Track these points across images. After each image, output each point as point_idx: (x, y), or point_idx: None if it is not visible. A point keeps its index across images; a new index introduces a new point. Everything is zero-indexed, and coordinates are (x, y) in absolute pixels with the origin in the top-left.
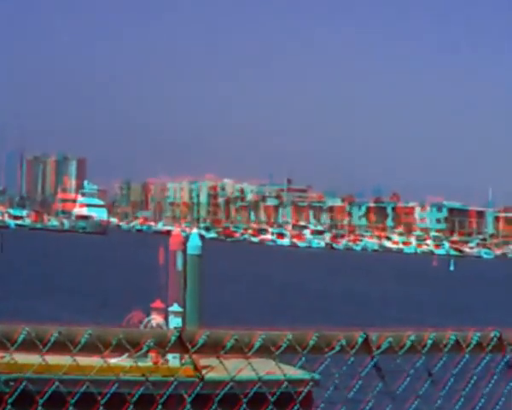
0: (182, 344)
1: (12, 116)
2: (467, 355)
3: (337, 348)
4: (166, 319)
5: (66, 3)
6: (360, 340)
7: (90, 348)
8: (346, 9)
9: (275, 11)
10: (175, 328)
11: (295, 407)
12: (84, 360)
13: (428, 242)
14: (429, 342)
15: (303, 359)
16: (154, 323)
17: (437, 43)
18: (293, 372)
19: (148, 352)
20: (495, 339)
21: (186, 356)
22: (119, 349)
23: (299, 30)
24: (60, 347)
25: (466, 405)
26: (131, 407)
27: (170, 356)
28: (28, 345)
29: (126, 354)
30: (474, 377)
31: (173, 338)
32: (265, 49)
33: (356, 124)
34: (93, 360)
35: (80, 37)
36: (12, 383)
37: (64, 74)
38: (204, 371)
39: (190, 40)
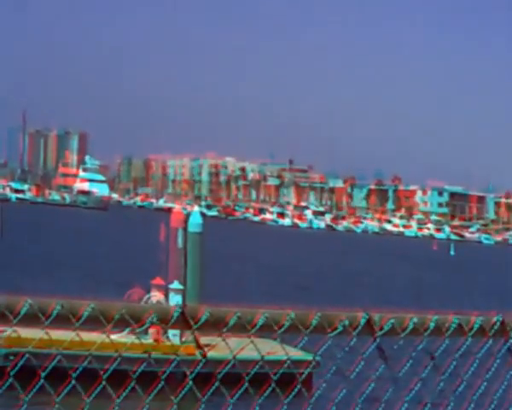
0: (184, 320)
1: (14, 90)
2: (469, 339)
3: (339, 328)
4: (166, 296)
5: None
6: (363, 321)
7: (93, 321)
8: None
9: None
10: (177, 304)
11: (296, 387)
12: (85, 336)
13: (429, 226)
14: (432, 325)
15: (305, 339)
16: (154, 300)
17: (437, 27)
18: (295, 353)
19: (148, 329)
20: (497, 324)
21: (186, 334)
22: (121, 324)
23: (307, 13)
24: (62, 320)
25: (468, 389)
26: (133, 382)
27: (170, 334)
28: (30, 318)
29: (127, 330)
30: (476, 362)
31: (176, 314)
32: (267, 26)
33: (359, 106)
34: (94, 336)
35: (83, 10)
36: (12, 358)
37: (66, 48)
38: (206, 349)
39: (193, 16)
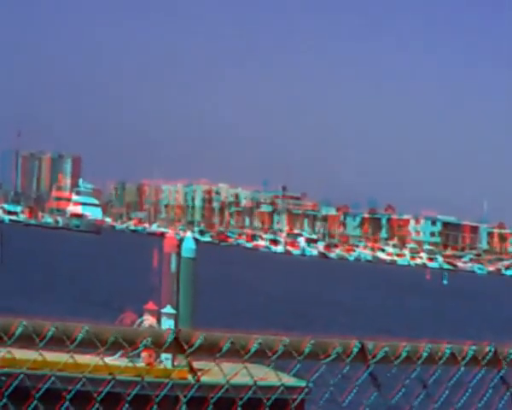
0: (178, 345)
1: (8, 112)
2: (462, 368)
3: (333, 355)
4: (159, 320)
5: (65, 2)
6: (356, 349)
7: (87, 344)
8: (348, 11)
9: (276, 16)
10: (171, 329)
11: None
12: (78, 358)
13: (422, 255)
14: (425, 353)
15: (297, 365)
16: (146, 324)
17: (432, 55)
18: (287, 380)
19: (140, 352)
20: (490, 353)
21: (178, 359)
22: (115, 347)
23: (297, 35)
24: (56, 342)
25: None
26: (127, 405)
27: (163, 358)
28: (25, 339)
29: (119, 354)
30: (469, 391)
31: (170, 338)
32: (262, 54)
33: (353, 134)
34: (87, 359)
35: (78, 35)
36: (4, 378)
37: (61, 72)
38: (199, 373)
39: (189, 44)
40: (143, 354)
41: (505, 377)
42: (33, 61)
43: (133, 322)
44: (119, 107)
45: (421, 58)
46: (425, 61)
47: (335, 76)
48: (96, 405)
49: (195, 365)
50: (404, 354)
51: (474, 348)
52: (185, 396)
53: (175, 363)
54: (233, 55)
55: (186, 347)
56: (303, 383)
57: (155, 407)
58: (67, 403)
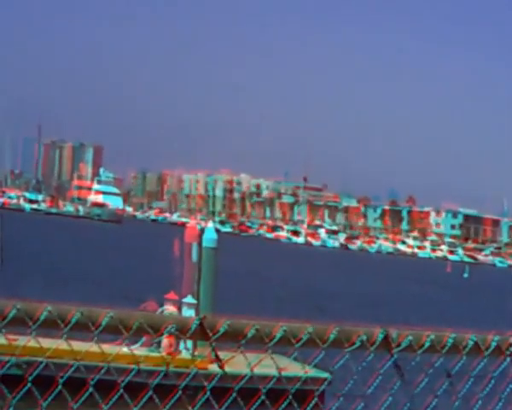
0: (203, 332)
1: (30, 101)
2: (485, 358)
3: (357, 343)
4: (180, 310)
5: None
6: (381, 336)
7: (111, 330)
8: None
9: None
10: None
11: (312, 403)
12: (98, 347)
13: (443, 247)
14: (449, 342)
15: (322, 354)
16: (167, 314)
17: (444, 39)
18: (308, 371)
19: (161, 342)
20: None
21: (199, 349)
22: (139, 333)
23: (317, 25)
24: (81, 327)
25: (484, 407)
26: (150, 392)
27: (182, 348)
28: (50, 324)
29: (141, 343)
30: (493, 381)
31: (194, 325)
32: (287, 42)
33: (374, 126)
34: (108, 348)
35: (99, 24)
36: (25, 366)
37: (82, 61)
38: (224, 360)
39: (206, 29)
40: (164, 344)
41: None
42: (56, 51)
43: (154, 311)
44: (142, 96)
45: (443, 47)
46: (447, 50)
47: (355, 66)
48: (120, 390)
49: (226, 358)
50: (427, 343)
51: (497, 338)
52: (209, 384)
53: (195, 353)
54: (253, 43)
55: (211, 334)
56: (324, 375)
57: (179, 395)
58: (91, 389)
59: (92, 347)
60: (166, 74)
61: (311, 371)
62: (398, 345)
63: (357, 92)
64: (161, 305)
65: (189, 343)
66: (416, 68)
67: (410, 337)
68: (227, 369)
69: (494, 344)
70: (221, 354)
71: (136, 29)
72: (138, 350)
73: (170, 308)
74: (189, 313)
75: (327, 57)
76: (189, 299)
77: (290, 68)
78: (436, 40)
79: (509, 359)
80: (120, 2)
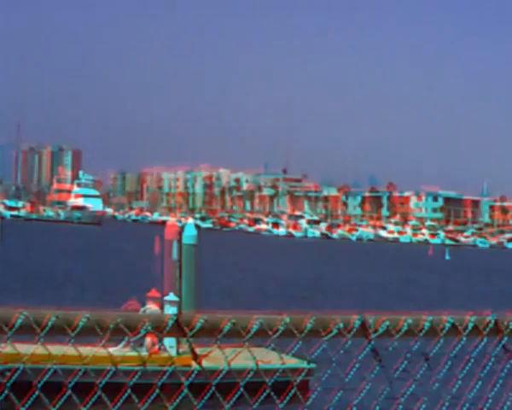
0: (179, 328)
1: (7, 107)
2: (463, 339)
3: (334, 331)
4: (162, 308)
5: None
6: (357, 323)
7: (88, 332)
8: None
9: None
10: (171, 313)
11: (292, 393)
12: (81, 350)
13: (424, 231)
14: (426, 325)
15: (299, 344)
16: (149, 312)
17: (431, 31)
18: (290, 361)
19: (144, 341)
20: (491, 323)
21: (182, 345)
22: (116, 333)
23: (297, 18)
24: (57, 331)
25: (463, 388)
26: (129, 391)
27: (167, 345)
28: (26, 330)
29: (123, 343)
30: (471, 361)
31: (170, 322)
32: (263, 36)
33: (352, 113)
34: (89, 350)
35: (77, 26)
36: (7, 373)
37: (59, 66)
38: (201, 354)
39: (183, 28)
40: (147, 343)
41: (507, 346)
42: (31, 55)
43: (137, 311)
44: (117, 97)
45: (419, 34)
46: (422, 37)
47: (331, 55)
48: (98, 392)
49: (199, 351)
50: (405, 328)
51: (475, 318)
52: (186, 380)
53: (179, 350)
54: (230, 40)
55: (187, 330)
56: (306, 364)
57: (157, 391)
58: (69, 392)
59: (70, 348)
60: (142, 73)
61: (294, 362)
62: (376, 331)
63: (335, 81)
64: (144, 304)
65: (173, 341)
66: (392, 51)
67: (387, 322)
68: (208, 364)
69: (471, 325)
70: (203, 350)
71: (111, 31)
72: (120, 351)
73: (152, 307)
74: (171, 310)
75: (303, 47)
76: (171, 297)
77: (267, 60)
78: (414, 23)
79: (486, 339)
80: (95, 3)
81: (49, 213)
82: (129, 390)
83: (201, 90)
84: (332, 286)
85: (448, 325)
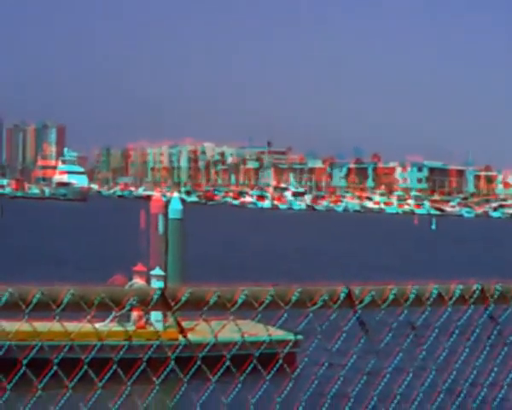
0: (164, 302)
1: None
2: (449, 308)
3: (320, 302)
4: (148, 282)
5: None
6: (343, 294)
7: (73, 307)
8: None
9: None
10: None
11: (278, 365)
12: (67, 325)
13: (409, 201)
14: (412, 295)
15: (285, 315)
16: (136, 286)
17: (422, 9)
18: (277, 333)
19: (130, 314)
20: (477, 291)
21: (169, 319)
22: (101, 308)
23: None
24: (43, 307)
25: (449, 357)
26: (115, 366)
27: (153, 320)
28: (12, 307)
29: (109, 319)
30: (457, 330)
31: (156, 296)
32: (244, 11)
33: (336, 85)
34: (76, 326)
35: (57, 4)
36: None
37: (40, 41)
38: (187, 330)
39: (167, 6)
40: (134, 317)
41: (493, 315)
42: (14, 33)
43: (123, 285)
44: (101, 73)
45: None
46: (412, 5)
47: (313, 30)
48: (84, 367)
49: (186, 325)
50: (391, 297)
51: (460, 287)
52: (173, 354)
53: (166, 324)
54: (212, 15)
55: (172, 303)
56: (292, 336)
57: (144, 365)
58: (56, 368)
59: (56, 324)
60: (125, 48)
61: (281, 334)
62: (361, 301)
63: (317, 52)
64: (130, 278)
65: (160, 315)
66: (374, 23)
67: (373, 292)
68: (195, 337)
69: (457, 294)
70: (190, 324)
71: (92, 7)
72: (107, 326)
73: (138, 281)
74: (157, 284)
75: (284, 22)
76: (157, 271)
77: (248, 34)
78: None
79: (472, 307)
80: None
81: (35, 190)
82: (115, 365)
83: (185, 64)
84: (317, 258)
85: (434, 294)
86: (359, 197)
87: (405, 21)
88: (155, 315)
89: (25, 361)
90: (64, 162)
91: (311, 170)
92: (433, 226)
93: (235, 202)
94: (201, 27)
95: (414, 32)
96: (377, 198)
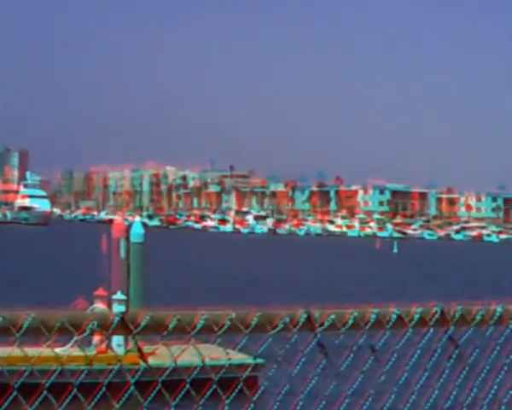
0: (125, 326)
1: None
2: (410, 330)
3: (280, 325)
4: (110, 306)
5: None
6: (303, 317)
7: (33, 332)
8: None
9: None
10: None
11: (238, 388)
12: (29, 351)
13: (371, 224)
14: (372, 318)
15: (245, 338)
16: (97, 311)
17: (385, 24)
18: (236, 356)
19: (92, 341)
20: (437, 314)
21: (131, 344)
22: (62, 332)
23: (244, 17)
24: (3, 332)
25: (409, 379)
26: (75, 390)
27: (115, 344)
28: None
29: (71, 344)
30: (418, 352)
31: (116, 320)
32: (205, 31)
33: (297, 108)
34: (37, 351)
35: (22, 23)
36: None
37: (3, 62)
38: (146, 354)
39: (131, 21)
40: (95, 342)
41: (452, 336)
42: None
43: (84, 310)
44: (63, 97)
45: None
46: (372, 26)
47: (276, 50)
48: (44, 392)
49: (147, 350)
50: (351, 321)
51: (421, 309)
52: (133, 377)
53: (128, 348)
54: (174, 35)
55: (132, 327)
56: (253, 360)
57: (103, 390)
58: (15, 393)
59: (16, 349)
60: (87, 72)
61: (242, 358)
62: (321, 324)
63: (280, 76)
64: (92, 303)
65: (121, 339)
66: (335, 44)
67: (333, 316)
68: (155, 362)
69: (417, 316)
70: (151, 348)
71: (53, 25)
72: (67, 350)
73: (100, 305)
74: (119, 308)
75: (245, 42)
76: (119, 295)
77: (211, 55)
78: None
79: (432, 330)
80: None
81: None
82: (75, 390)
83: (147, 88)
84: (277, 281)
85: (394, 316)
86: (321, 221)
87: (363, 46)
88: (117, 339)
89: None
90: (26, 186)
91: (273, 193)
92: (395, 249)
93: (197, 226)
94: (163, 50)
95: (370, 53)
96: (339, 221)
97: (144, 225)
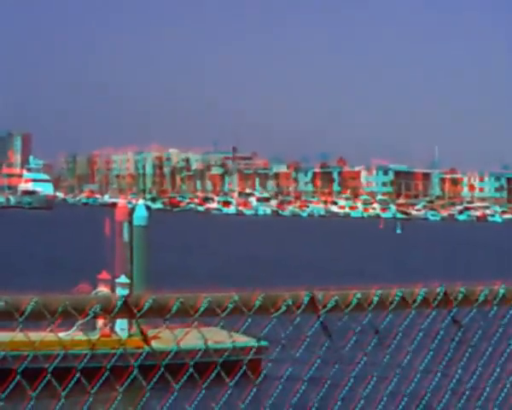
0: (128, 309)
1: None
2: (413, 311)
3: (283, 308)
4: (113, 290)
5: None
6: (306, 299)
7: (37, 316)
8: None
9: None
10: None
11: (242, 372)
12: (32, 336)
13: (375, 205)
14: (375, 299)
15: (249, 320)
16: (100, 294)
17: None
18: (240, 339)
19: (96, 325)
20: (441, 294)
21: (134, 327)
22: (65, 317)
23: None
24: (5, 316)
25: (413, 360)
26: (78, 375)
27: (118, 328)
28: None
29: (74, 328)
30: (421, 333)
31: (119, 303)
32: (209, 12)
33: (301, 88)
34: (41, 335)
35: (24, 8)
36: None
37: (3, 49)
38: (151, 335)
39: (129, 15)
40: (99, 326)
41: (456, 317)
42: None
43: (88, 294)
44: (66, 79)
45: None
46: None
47: (281, 29)
48: (48, 376)
49: (150, 333)
50: (354, 302)
51: (424, 290)
52: (136, 361)
53: (131, 332)
54: (180, 18)
55: (135, 310)
56: (256, 342)
57: (107, 373)
58: (19, 377)
59: (18, 335)
60: (90, 52)
61: (245, 340)
62: (325, 306)
63: (282, 55)
64: (95, 286)
65: (125, 323)
66: (338, 21)
67: (336, 297)
68: (158, 345)
69: (421, 297)
70: (155, 332)
71: (53, 10)
72: (71, 335)
73: (103, 289)
74: (122, 292)
75: (253, 22)
76: (123, 279)
77: (216, 36)
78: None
79: (436, 310)
80: None
81: (0, 199)
82: (78, 374)
83: (150, 69)
84: (281, 263)
85: (397, 297)
86: (325, 202)
87: (369, 18)
88: (120, 323)
89: None
90: (29, 170)
91: (277, 175)
92: (399, 230)
93: (201, 209)
94: (168, 31)
95: (372, 33)
96: (343, 202)
97: (147, 207)
